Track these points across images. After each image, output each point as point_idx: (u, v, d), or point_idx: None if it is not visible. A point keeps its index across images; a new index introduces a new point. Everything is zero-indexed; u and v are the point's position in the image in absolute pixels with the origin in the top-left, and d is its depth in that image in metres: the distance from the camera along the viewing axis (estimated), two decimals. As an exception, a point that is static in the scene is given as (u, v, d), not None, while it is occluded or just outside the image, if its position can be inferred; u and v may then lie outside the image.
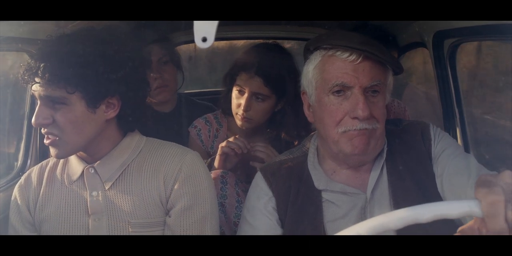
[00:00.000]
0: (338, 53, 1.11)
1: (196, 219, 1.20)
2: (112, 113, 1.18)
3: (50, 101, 1.12)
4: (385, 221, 0.68)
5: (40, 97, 1.12)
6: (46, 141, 1.15)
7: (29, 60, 1.12)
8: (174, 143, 1.30)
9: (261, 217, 1.21)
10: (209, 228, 1.21)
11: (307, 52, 1.22)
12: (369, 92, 1.12)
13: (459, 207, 0.69)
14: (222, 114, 1.86)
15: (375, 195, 1.17)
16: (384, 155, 1.19)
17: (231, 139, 1.61)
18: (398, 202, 1.14)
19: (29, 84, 1.12)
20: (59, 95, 1.10)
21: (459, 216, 0.69)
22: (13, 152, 1.64)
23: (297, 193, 1.21)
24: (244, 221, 1.24)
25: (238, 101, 1.68)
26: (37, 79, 1.10)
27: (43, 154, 1.65)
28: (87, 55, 1.11)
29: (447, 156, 1.16)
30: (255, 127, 1.73)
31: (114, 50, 1.15)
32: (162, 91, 1.91)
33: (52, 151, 1.17)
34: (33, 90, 1.13)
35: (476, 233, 0.71)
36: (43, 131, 1.15)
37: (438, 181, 1.15)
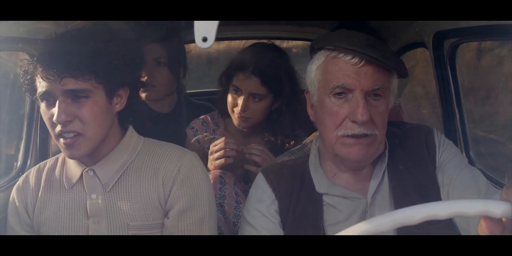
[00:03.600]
0: (341, 55, 1.10)
1: (194, 220, 1.19)
2: (120, 106, 1.20)
3: (74, 96, 1.11)
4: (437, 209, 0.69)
5: (63, 92, 1.10)
6: (64, 142, 1.12)
7: (47, 58, 1.11)
8: (172, 144, 1.29)
9: (264, 220, 1.20)
10: (207, 229, 1.21)
11: (312, 51, 1.21)
12: (371, 95, 1.11)
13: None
14: (219, 115, 1.85)
15: (376, 200, 1.17)
16: (386, 159, 1.19)
17: (221, 144, 1.61)
18: (400, 207, 1.13)
19: (50, 80, 1.09)
20: (86, 87, 1.11)
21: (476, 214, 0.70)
22: (13, 152, 1.64)
23: (298, 195, 1.20)
24: (246, 223, 1.23)
25: (235, 101, 1.68)
26: (63, 74, 1.08)
27: (43, 154, 1.65)
28: (107, 48, 1.13)
29: (454, 167, 1.16)
30: (252, 126, 1.73)
31: (124, 44, 1.17)
32: (147, 90, 1.88)
33: (68, 151, 1.14)
34: (52, 87, 1.10)
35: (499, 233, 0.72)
36: (59, 131, 1.12)
37: (443, 190, 1.15)
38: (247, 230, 1.22)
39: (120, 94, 1.20)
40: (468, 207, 0.68)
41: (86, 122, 1.12)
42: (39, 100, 1.15)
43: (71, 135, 1.12)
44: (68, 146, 1.13)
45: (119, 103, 1.20)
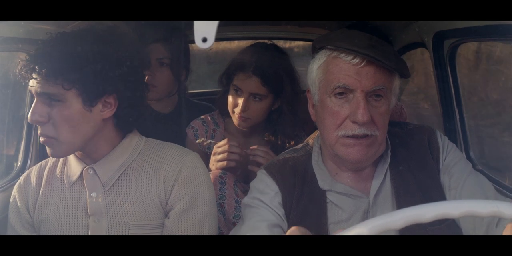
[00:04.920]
0: (342, 55, 1.10)
1: (194, 220, 1.19)
2: (108, 113, 1.17)
3: (47, 98, 1.11)
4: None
5: (37, 93, 1.11)
6: (42, 140, 1.14)
7: (28, 57, 1.11)
8: (174, 144, 1.29)
9: (266, 211, 1.18)
10: (207, 229, 1.21)
11: (314, 50, 1.21)
12: (372, 96, 1.10)
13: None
14: (219, 115, 1.86)
15: (378, 200, 1.17)
16: (388, 159, 1.18)
17: (224, 146, 1.60)
18: (402, 207, 1.13)
19: (26, 80, 1.11)
20: (56, 91, 1.10)
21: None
22: (13, 152, 1.64)
23: (301, 192, 1.20)
24: (248, 212, 1.19)
25: (235, 100, 1.68)
26: (34, 75, 1.09)
27: (43, 154, 1.65)
28: (85, 53, 1.10)
29: (460, 171, 1.17)
30: (252, 126, 1.73)
31: (113, 49, 1.14)
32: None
33: (48, 150, 1.16)
34: (30, 87, 1.12)
35: None
36: (38, 131, 1.14)
37: (450, 193, 1.15)
38: (250, 217, 1.18)
39: (109, 102, 1.16)
40: (480, 207, 0.68)
41: (57, 126, 1.12)
42: None
43: (47, 136, 1.14)
44: (46, 145, 1.15)
45: (107, 111, 1.16)
